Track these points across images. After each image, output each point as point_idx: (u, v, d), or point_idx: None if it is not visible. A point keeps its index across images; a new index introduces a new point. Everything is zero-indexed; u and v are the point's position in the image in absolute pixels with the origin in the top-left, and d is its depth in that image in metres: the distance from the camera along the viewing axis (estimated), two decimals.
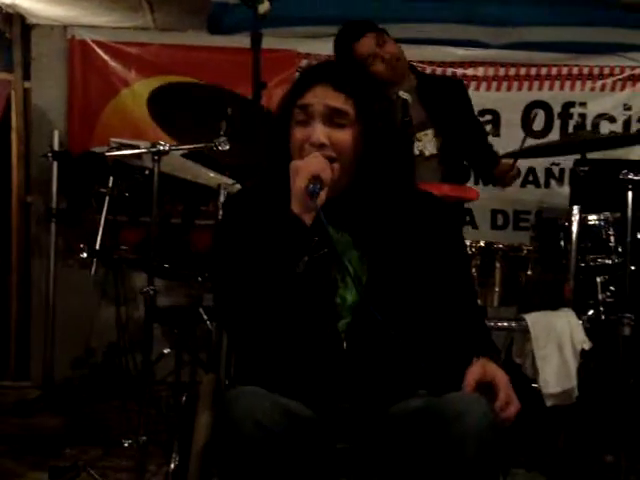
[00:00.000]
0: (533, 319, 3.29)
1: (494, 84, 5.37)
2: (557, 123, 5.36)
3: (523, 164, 5.24)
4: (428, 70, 5.09)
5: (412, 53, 4.17)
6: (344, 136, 2.13)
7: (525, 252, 3.42)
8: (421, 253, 2.18)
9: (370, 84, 2.24)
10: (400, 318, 2.12)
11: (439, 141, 3.85)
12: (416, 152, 3.77)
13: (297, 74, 5.24)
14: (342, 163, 2.13)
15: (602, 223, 3.46)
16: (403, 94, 3.65)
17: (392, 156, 2.20)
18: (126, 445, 3.31)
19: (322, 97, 2.13)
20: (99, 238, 3.71)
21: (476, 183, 4.72)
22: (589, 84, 5.36)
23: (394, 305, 2.13)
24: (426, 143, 3.83)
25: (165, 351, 4.62)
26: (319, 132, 2.12)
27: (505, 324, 3.38)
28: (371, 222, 2.16)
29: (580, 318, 3.30)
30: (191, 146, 3.47)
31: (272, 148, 2.23)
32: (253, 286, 2.02)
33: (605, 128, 5.26)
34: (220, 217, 3.23)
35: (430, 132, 3.82)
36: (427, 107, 3.83)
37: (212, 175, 3.74)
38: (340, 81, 2.16)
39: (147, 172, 3.62)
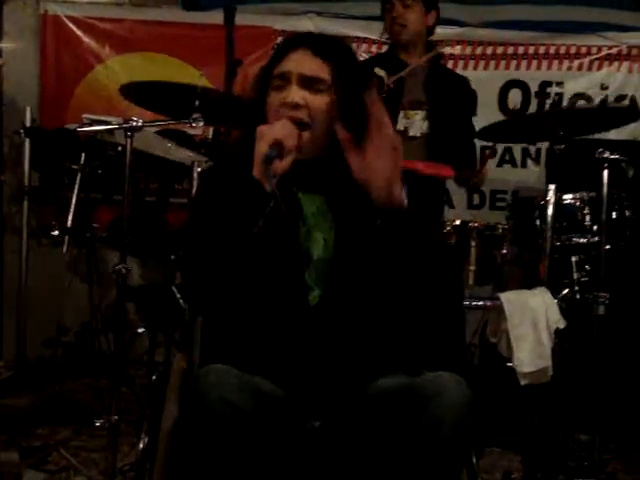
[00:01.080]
0: (508, 298, 3.28)
1: (471, 63, 5.35)
2: (534, 102, 5.35)
3: (499, 143, 5.26)
4: None
5: None
6: (319, 100, 2.13)
7: (500, 231, 3.41)
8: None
9: (348, 52, 2.26)
10: (369, 291, 2.11)
11: (427, 124, 3.83)
12: (400, 128, 3.75)
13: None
14: (316, 128, 2.12)
15: (577, 202, 3.46)
16: (379, 71, 3.65)
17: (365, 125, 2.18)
18: (98, 425, 3.29)
19: (299, 62, 2.14)
20: (70, 216, 3.67)
21: None
22: (566, 63, 5.34)
23: (362, 277, 2.11)
24: (414, 122, 3.81)
25: (139, 330, 4.59)
26: (294, 93, 2.12)
27: (480, 303, 3.37)
28: (343, 188, 2.13)
29: (555, 297, 3.30)
30: (165, 122, 3.43)
31: (249, 117, 2.22)
32: (214, 250, 2.00)
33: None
34: (195, 190, 3.21)
35: (421, 113, 3.81)
36: (429, 89, 3.83)
37: (187, 153, 3.69)
38: (318, 46, 2.16)
39: (120, 149, 3.57)
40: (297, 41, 2.20)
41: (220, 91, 3.36)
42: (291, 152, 2.03)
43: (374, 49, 5.11)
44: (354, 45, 5.22)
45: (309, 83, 2.13)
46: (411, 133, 3.80)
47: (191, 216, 2.21)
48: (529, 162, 5.35)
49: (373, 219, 2.08)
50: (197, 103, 3.19)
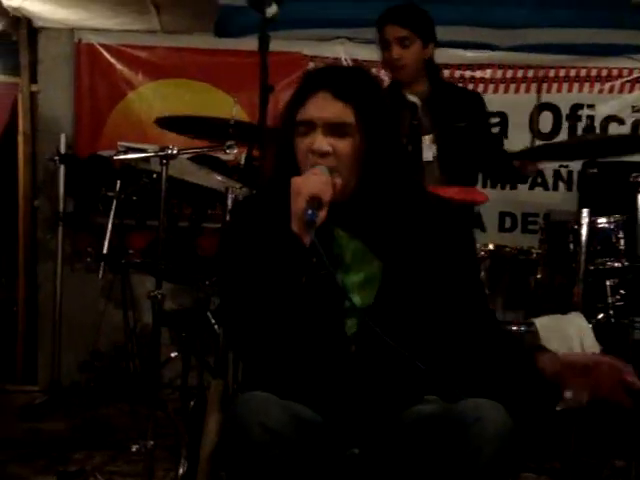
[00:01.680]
0: (543, 323, 3.26)
1: (502, 86, 5.34)
2: (565, 125, 5.34)
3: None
4: None
5: None
6: (346, 145, 2.11)
7: (534, 255, 3.40)
8: (433, 258, 2.17)
9: (371, 88, 2.22)
10: (412, 324, 2.12)
11: (435, 147, 3.83)
12: None
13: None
14: (344, 171, 2.11)
15: (611, 226, 3.44)
16: (412, 97, 3.65)
17: (396, 159, 2.19)
18: (134, 450, 3.30)
19: (321, 109, 2.11)
20: (106, 242, 3.71)
21: (484, 186, 4.72)
22: (597, 86, 5.32)
23: (407, 310, 2.12)
24: (425, 147, 3.81)
25: (172, 355, 4.61)
26: (320, 141, 2.10)
27: (514, 328, 3.35)
28: (383, 226, 2.14)
29: (590, 322, 3.27)
30: (199, 149, 3.47)
31: (278, 158, 2.23)
32: (256, 299, 2.02)
33: (614, 130, 5.24)
34: (227, 222, 3.22)
35: (428, 138, 3.80)
36: (432, 113, 3.82)
37: (220, 178, 3.72)
38: (338, 88, 2.13)
39: (155, 176, 3.62)
40: (316, 83, 2.16)
41: (252, 123, 3.39)
42: (328, 204, 2.03)
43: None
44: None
45: (334, 129, 2.11)
46: (424, 158, 3.80)
47: (225, 253, 2.22)
48: (561, 185, 5.33)
49: (416, 259, 2.12)
50: (231, 131, 3.21)
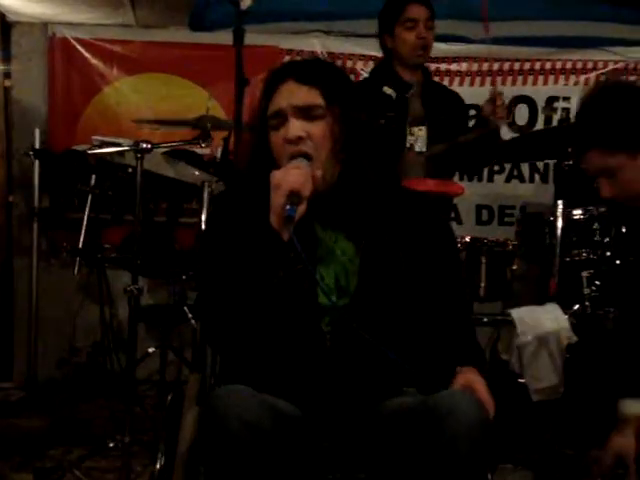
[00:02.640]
0: (519, 314, 3.28)
1: (478, 79, 5.36)
2: (541, 118, 5.37)
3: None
4: None
5: None
6: (319, 127, 2.13)
7: (510, 247, 3.41)
8: (411, 252, 2.18)
9: (335, 72, 2.25)
10: (389, 317, 2.12)
11: (426, 139, 3.83)
12: (407, 145, 3.75)
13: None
14: (322, 158, 2.12)
15: (587, 217, 3.45)
16: (387, 89, 3.65)
17: (372, 144, 2.19)
18: (111, 445, 3.30)
19: (288, 96, 2.14)
20: (82, 237, 3.69)
21: (461, 179, 4.73)
22: (573, 78, 5.35)
23: (384, 303, 2.13)
24: (418, 138, 3.80)
25: (150, 350, 4.60)
26: (293, 127, 2.12)
27: (491, 320, 3.37)
28: (361, 220, 2.15)
29: (566, 313, 3.29)
30: (174, 143, 3.46)
31: (254, 155, 2.23)
32: (233, 292, 2.02)
33: None
34: (207, 216, 3.22)
35: (424, 129, 3.80)
36: (426, 104, 3.82)
37: (196, 173, 3.72)
38: (301, 73, 2.17)
39: (130, 170, 3.60)
40: (280, 74, 2.19)
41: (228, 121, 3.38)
42: (307, 198, 2.03)
43: (371, 65, 5.10)
44: (361, 63, 5.25)
45: (304, 112, 2.13)
46: (417, 149, 3.79)
47: (204, 247, 2.21)
48: (537, 178, 5.36)
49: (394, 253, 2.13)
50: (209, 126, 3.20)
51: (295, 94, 2.14)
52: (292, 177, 2.03)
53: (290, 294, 2.05)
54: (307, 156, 2.10)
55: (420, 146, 3.78)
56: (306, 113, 2.13)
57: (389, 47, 3.86)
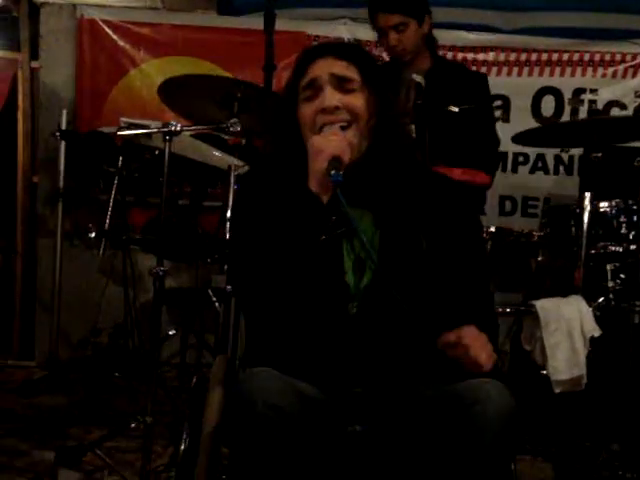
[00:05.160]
0: (543, 305, 3.27)
1: (505, 69, 5.34)
2: (568, 109, 5.34)
3: (532, 150, 5.25)
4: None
5: None
6: (356, 99, 2.14)
7: (536, 238, 3.41)
8: (432, 232, 2.17)
9: (369, 55, 2.27)
10: (410, 298, 2.11)
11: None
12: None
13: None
14: (358, 126, 2.13)
15: (613, 210, 3.43)
16: (417, 77, 3.62)
17: (403, 127, 2.20)
18: (133, 426, 3.31)
19: (326, 67, 2.15)
20: (108, 218, 3.70)
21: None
22: (600, 70, 5.32)
23: (405, 284, 2.11)
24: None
25: (170, 332, 4.62)
26: (330, 96, 2.12)
27: (514, 310, 3.36)
28: (387, 196, 2.15)
29: (590, 305, 3.28)
30: (203, 126, 3.45)
31: (280, 129, 2.23)
32: (269, 264, 2.02)
33: (616, 115, 5.23)
34: (233, 199, 3.22)
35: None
36: (429, 90, 3.79)
37: (222, 156, 3.71)
38: (339, 51, 2.18)
39: (157, 152, 3.60)
40: (317, 51, 2.21)
41: (259, 86, 3.35)
42: (345, 165, 2.04)
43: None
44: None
45: (341, 83, 2.14)
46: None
47: (236, 228, 2.22)
48: (561, 169, 5.33)
49: (419, 242, 2.13)
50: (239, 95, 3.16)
51: (333, 65, 2.15)
52: (333, 143, 2.05)
53: (323, 268, 2.04)
54: (342, 126, 2.11)
55: None
56: (343, 85, 2.14)
57: None
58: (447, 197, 2.27)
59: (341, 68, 2.15)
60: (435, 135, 3.69)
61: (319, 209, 2.04)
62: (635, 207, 3.34)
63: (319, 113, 2.13)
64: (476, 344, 1.99)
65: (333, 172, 2.01)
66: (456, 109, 3.64)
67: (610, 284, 3.44)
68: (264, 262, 2.03)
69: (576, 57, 5.32)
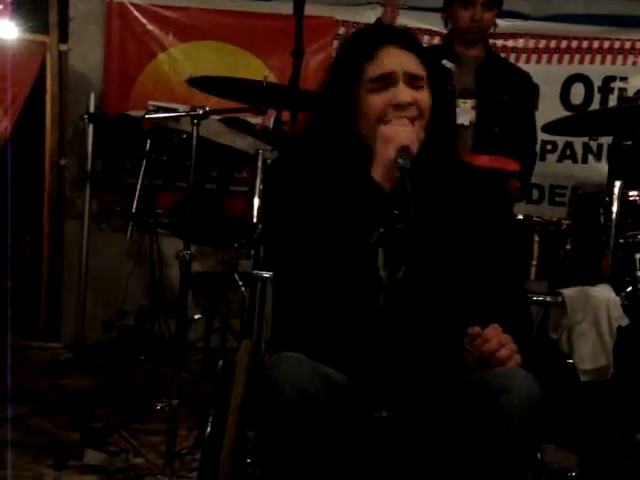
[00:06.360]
0: (570, 294, 3.25)
1: (534, 56, 5.31)
2: (597, 97, 5.31)
3: (561, 138, 5.22)
4: None
5: None
6: (423, 96, 2.13)
7: (564, 227, 3.38)
8: (468, 228, 2.16)
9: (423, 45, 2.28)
10: (442, 291, 2.11)
11: (474, 114, 3.80)
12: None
13: (335, 42, 5.21)
14: (422, 122, 2.12)
15: None
16: (447, 63, 3.63)
17: (450, 120, 2.20)
18: (158, 408, 3.33)
19: (399, 61, 2.12)
20: (135, 202, 3.72)
21: None
22: (631, 58, 5.28)
23: (437, 277, 2.10)
24: (463, 111, 3.79)
25: (196, 317, 4.64)
26: (404, 93, 2.10)
27: (541, 298, 3.34)
28: (431, 193, 2.12)
29: (618, 294, 3.25)
30: (231, 110, 3.46)
31: (332, 112, 2.18)
32: (315, 249, 2.01)
33: None
34: (263, 185, 3.21)
35: (470, 102, 3.78)
36: (480, 79, 3.80)
37: (250, 141, 3.72)
38: (407, 42, 2.16)
39: (185, 136, 3.61)
40: (385, 35, 2.17)
41: (285, 86, 3.38)
42: (414, 156, 2.03)
43: (436, 41, 5.07)
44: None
45: (412, 80, 2.11)
46: (459, 121, 3.77)
47: (275, 212, 2.19)
48: (590, 158, 5.30)
49: (454, 235, 2.12)
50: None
51: (407, 61, 2.12)
52: (404, 133, 2.04)
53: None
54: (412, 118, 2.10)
55: (462, 119, 3.77)
56: (413, 81, 2.12)
57: (450, 20, 3.88)
58: (485, 191, 2.26)
59: (413, 65, 2.12)
60: (483, 122, 3.72)
61: (381, 198, 2.02)
62: None
63: (390, 107, 2.10)
64: (495, 341, 1.97)
65: (401, 160, 2.00)
66: (506, 98, 3.68)
67: (639, 273, 3.40)
68: (308, 247, 2.02)
69: (606, 45, 5.29)
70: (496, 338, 1.98)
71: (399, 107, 2.09)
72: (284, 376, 1.84)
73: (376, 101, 2.11)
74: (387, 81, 2.11)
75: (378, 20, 3.80)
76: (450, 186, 2.18)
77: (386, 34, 2.18)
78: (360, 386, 2.05)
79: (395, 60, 2.12)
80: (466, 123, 3.78)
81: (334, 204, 2.04)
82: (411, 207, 1.96)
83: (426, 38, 5.19)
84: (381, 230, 2.01)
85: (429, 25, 5.19)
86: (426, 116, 2.13)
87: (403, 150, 2.01)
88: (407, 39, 2.17)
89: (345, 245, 2.00)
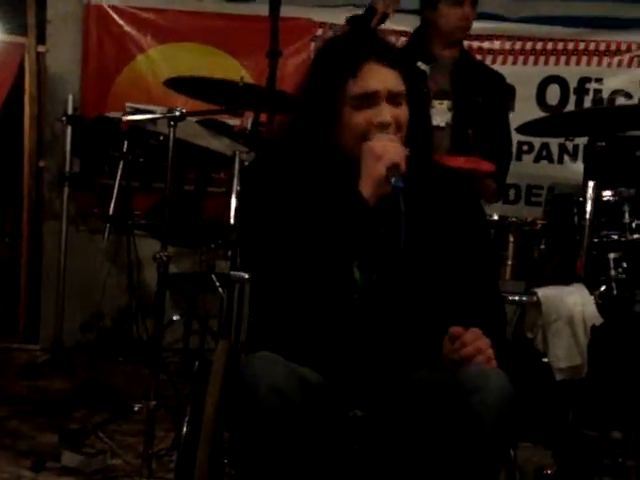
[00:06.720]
0: (545, 293, 3.27)
1: (510, 58, 5.34)
2: (573, 98, 5.34)
3: (537, 139, 5.26)
4: None
5: None
6: (402, 113, 2.13)
7: (539, 227, 3.41)
8: (442, 229, 2.18)
9: (401, 54, 2.27)
10: (418, 292, 2.13)
11: (451, 115, 3.82)
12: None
13: (313, 44, 5.23)
14: (401, 137, 2.13)
15: (617, 199, 3.43)
16: (422, 65, 3.65)
17: (425, 127, 2.22)
18: (135, 409, 3.34)
19: (383, 80, 2.11)
20: (113, 203, 3.72)
21: None
22: (606, 60, 5.31)
23: (413, 277, 2.13)
24: (439, 112, 3.80)
25: (174, 318, 4.64)
26: (386, 113, 2.10)
27: (517, 298, 3.37)
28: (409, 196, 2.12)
29: (592, 294, 3.28)
30: (207, 112, 3.47)
31: (311, 123, 2.17)
32: (293, 253, 2.03)
33: (621, 104, 5.22)
34: (241, 187, 3.22)
35: (446, 103, 3.79)
36: (455, 80, 3.81)
37: (227, 142, 3.73)
38: (388, 55, 2.15)
39: (162, 138, 3.62)
40: (368, 49, 2.15)
41: (262, 86, 3.40)
42: (404, 173, 2.04)
43: None
44: (393, 39, 5.23)
45: (395, 98, 2.12)
46: (435, 122, 3.78)
47: (252, 214, 2.20)
48: (566, 158, 5.34)
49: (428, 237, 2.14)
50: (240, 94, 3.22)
51: (388, 78, 2.12)
52: (394, 149, 2.05)
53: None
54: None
55: (438, 120, 3.78)
56: (395, 99, 2.12)
57: (429, 21, 3.84)
58: (456, 192, 2.27)
59: (395, 82, 2.12)
60: (459, 123, 3.74)
61: (367, 213, 2.04)
62: (637, 196, 3.34)
63: (372, 125, 2.10)
64: (472, 348, 1.99)
65: (394, 178, 2.01)
66: (480, 99, 3.69)
67: (612, 273, 3.42)
68: (286, 250, 2.04)
69: (581, 46, 5.31)
70: (474, 343, 2.00)
71: (381, 126, 2.10)
72: (259, 376, 1.86)
73: (358, 119, 2.11)
74: (370, 100, 2.10)
75: (351, 19, 3.73)
76: (423, 189, 2.19)
77: (369, 48, 2.15)
78: (335, 385, 2.07)
79: (379, 78, 2.11)
80: (442, 124, 3.79)
81: (315, 212, 2.06)
82: (402, 228, 1.99)
83: (391, 39, 5.18)
84: (365, 246, 2.05)
85: (404, 27, 5.20)
86: (404, 130, 2.14)
87: (393, 167, 2.02)
88: (389, 54, 2.16)
89: (326, 256, 2.01)
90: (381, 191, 2.04)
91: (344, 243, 2.02)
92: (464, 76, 3.85)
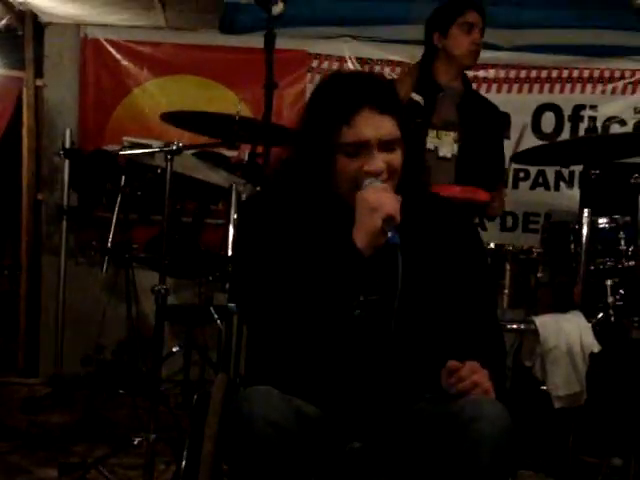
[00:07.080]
0: (542, 321, 3.29)
1: (505, 86, 5.37)
2: (567, 126, 5.36)
3: (533, 167, 5.28)
4: None
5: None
6: (395, 158, 2.12)
7: (535, 255, 3.42)
8: (440, 257, 2.19)
9: (396, 93, 2.24)
10: (417, 318, 2.14)
11: (457, 147, 3.83)
12: (430, 147, 3.76)
13: (309, 75, 5.26)
14: (394, 182, 2.12)
15: (612, 226, 3.45)
16: (415, 96, 3.66)
17: (418, 160, 2.22)
18: (135, 443, 3.33)
19: (374, 128, 2.09)
20: (111, 236, 3.73)
21: None
22: (600, 87, 5.35)
23: (412, 304, 2.13)
24: (445, 143, 3.81)
25: (174, 349, 4.64)
26: (378, 161, 2.09)
27: (514, 326, 3.38)
28: (412, 241, 2.13)
29: (589, 321, 3.29)
30: (203, 145, 3.49)
31: (307, 166, 2.17)
32: (287, 293, 2.03)
33: (616, 131, 5.26)
34: (238, 223, 3.24)
35: (453, 135, 3.81)
36: (462, 112, 3.82)
37: (224, 175, 3.74)
38: (381, 101, 2.12)
39: (159, 171, 3.63)
40: (361, 99, 2.12)
41: (258, 120, 3.42)
42: (398, 224, 2.03)
43: (399, 71, 5.12)
44: (388, 68, 5.28)
45: (387, 145, 2.11)
46: (441, 154, 3.80)
47: (247, 250, 2.20)
48: (562, 185, 5.36)
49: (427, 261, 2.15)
50: (236, 127, 3.25)
51: (381, 126, 2.10)
52: (388, 200, 2.04)
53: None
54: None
55: (445, 152, 3.80)
56: (388, 146, 2.11)
57: (437, 47, 3.84)
58: (453, 222, 2.28)
59: (388, 129, 2.10)
60: (465, 154, 3.75)
61: (361, 264, 2.04)
62: (633, 223, 3.35)
63: (362, 173, 2.10)
64: (469, 382, 2.00)
65: (390, 234, 2.00)
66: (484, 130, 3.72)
67: (609, 300, 3.42)
68: (282, 287, 2.04)
69: (575, 74, 5.35)
70: (471, 377, 2.00)
71: (371, 174, 2.09)
72: (256, 409, 1.86)
73: (349, 167, 2.11)
74: (361, 148, 2.09)
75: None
76: (420, 221, 2.20)
77: (364, 95, 2.12)
78: (332, 418, 2.07)
79: (371, 127, 2.09)
80: (448, 155, 3.81)
81: (310, 255, 2.06)
82: (399, 283, 1.99)
83: (387, 70, 5.26)
84: (361, 299, 2.06)
85: (394, 56, 5.26)
86: (398, 172, 2.13)
87: (389, 219, 2.01)
88: (384, 100, 2.13)
89: (321, 305, 2.02)
90: (376, 242, 2.04)
91: (337, 293, 2.03)
92: (470, 108, 3.87)
